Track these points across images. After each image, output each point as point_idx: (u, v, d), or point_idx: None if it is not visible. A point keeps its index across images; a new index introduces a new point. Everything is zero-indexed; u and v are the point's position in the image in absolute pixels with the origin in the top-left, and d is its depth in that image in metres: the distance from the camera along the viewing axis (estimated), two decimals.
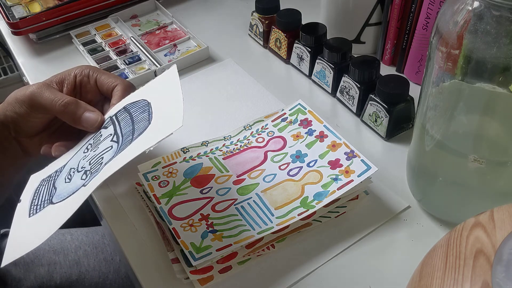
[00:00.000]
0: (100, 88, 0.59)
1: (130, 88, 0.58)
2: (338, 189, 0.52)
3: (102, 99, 0.61)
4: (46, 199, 0.50)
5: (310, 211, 0.50)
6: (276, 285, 0.49)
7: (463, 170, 0.48)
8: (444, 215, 0.53)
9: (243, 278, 0.49)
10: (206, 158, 0.58)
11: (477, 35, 0.40)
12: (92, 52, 0.80)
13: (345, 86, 0.66)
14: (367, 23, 0.72)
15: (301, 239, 0.52)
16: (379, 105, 0.61)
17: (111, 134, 0.51)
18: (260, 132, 0.61)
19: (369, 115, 0.63)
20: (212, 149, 0.59)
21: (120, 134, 0.50)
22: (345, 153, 0.55)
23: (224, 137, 0.61)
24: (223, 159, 0.58)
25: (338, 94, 0.68)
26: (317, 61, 0.69)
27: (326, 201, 0.51)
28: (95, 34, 0.83)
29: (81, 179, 0.48)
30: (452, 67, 0.43)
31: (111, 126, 0.52)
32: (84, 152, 0.52)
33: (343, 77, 0.65)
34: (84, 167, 0.49)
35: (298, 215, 0.50)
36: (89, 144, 0.53)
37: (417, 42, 0.66)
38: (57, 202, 0.48)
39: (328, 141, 0.57)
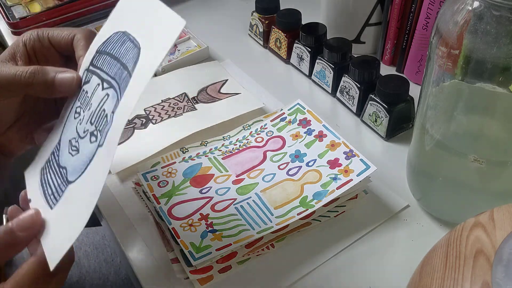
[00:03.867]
0: (57, 47, 0.50)
1: (91, 34, 0.49)
2: (337, 188, 0.52)
3: (64, 60, 0.51)
4: (60, 182, 0.42)
5: (310, 210, 0.50)
6: (276, 285, 0.48)
7: (463, 170, 0.48)
8: (444, 215, 0.53)
9: (243, 278, 0.49)
10: (205, 158, 0.58)
11: (477, 35, 0.40)
12: None
13: (345, 86, 0.66)
14: (367, 23, 0.72)
15: (300, 238, 0.52)
16: (379, 105, 0.60)
17: (98, 84, 0.43)
18: (259, 132, 0.61)
19: (369, 115, 0.63)
20: (211, 149, 0.59)
21: (110, 78, 0.42)
22: (344, 153, 0.55)
23: (223, 137, 0.61)
24: (222, 159, 0.58)
25: (338, 94, 0.68)
26: (317, 61, 0.69)
27: (325, 200, 0.51)
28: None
29: (91, 142, 0.40)
30: (452, 67, 0.43)
31: (94, 77, 0.43)
32: (75, 118, 0.44)
33: (343, 77, 0.65)
34: (88, 129, 0.42)
35: (298, 214, 0.50)
36: (77, 107, 0.44)
37: (417, 42, 0.66)
38: (76, 178, 0.41)
39: (327, 140, 0.57)
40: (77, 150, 0.42)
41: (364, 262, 0.50)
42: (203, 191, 0.54)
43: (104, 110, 0.41)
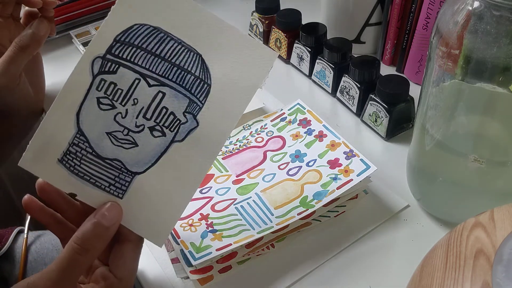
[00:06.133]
0: None
1: None
2: (337, 188, 0.52)
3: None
4: (117, 174, 0.43)
5: (310, 210, 0.50)
6: (276, 285, 0.48)
7: (463, 170, 0.48)
8: (444, 215, 0.53)
9: (243, 278, 0.49)
10: None
11: (477, 35, 0.40)
12: None
13: (345, 86, 0.66)
14: (367, 23, 0.72)
15: (300, 238, 0.52)
16: (379, 105, 0.60)
17: (138, 79, 0.43)
18: (259, 132, 0.61)
19: (369, 115, 0.63)
20: None
21: (156, 75, 0.42)
22: (344, 153, 0.55)
23: None
24: (223, 159, 0.58)
25: (338, 94, 0.68)
26: (317, 61, 0.69)
27: (325, 200, 0.51)
28: (95, 34, 0.83)
29: (155, 136, 0.42)
30: (452, 67, 0.43)
31: (124, 69, 0.43)
32: (104, 110, 0.43)
33: (343, 77, 0.65)
34: (143, 124, 0.43)
35: (298, 214, 0.50)
36: (100, 98, 0.43)
37: (417, 42, 0.66)
38: (146, 169, 0.43)
39: (327, 140, 0.57)
40: (133, 144, 0.43)
41: (364, 262, 0.50)
42: (203, 191, 0.54)
43: (165, 107, 0.43)
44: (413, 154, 0.53)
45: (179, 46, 0.43)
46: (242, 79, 0.43)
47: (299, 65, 0.73)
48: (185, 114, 0.43)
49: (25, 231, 0.66)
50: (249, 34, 0.82)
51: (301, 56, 0.72)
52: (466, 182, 0.49)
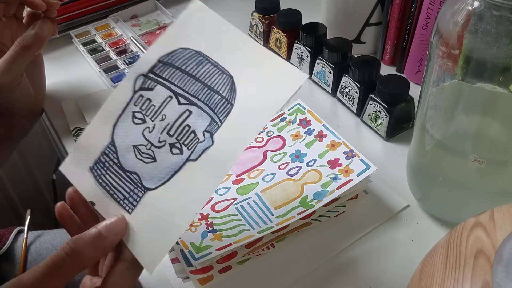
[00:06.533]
0: None
1: None
2: (337, 188, 0.52)
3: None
4: (132, 188, 0.43)
5: (310, 210, 0.50)
6: (276, 285, 0.48)
7: (463, 170, 0.48)
8: (444, 215, 0.53)
9: (243, 278, 0.49)
10: None
11: (477, 35, 0.40)
12: (92, 52, 0.79)
13: (345, 86, 0.66)
14: (367, 23, 0.72)
15: (300, 238, 0.52)
16: (379, 105, 0.60)
17: (170, 97, 0.44)
18: (259, 132, 0.61)
19: (369, 115, 0.63)
20: None
21: (187, 94, 0.44)
22: (344, 153, 0.55)
23: None
24: None
25: (338, 94, 0.68)
26: (317, 61, 0.69)
27: (325, 200, 0.51)
28: (95, 34, 0.83)
29: (173, 153, 0.43)
30: (452, 67, 0.43)
31: (160, 87, 0.45)
32: (136, 124, 0.45)
33: (343, 77, 0.65)
34: (165, 140, 0.43)
35: (298, 214, 0.50)
36: (136, 112, 0.45)
37: (417, 42, 0.66)
38: (158, 186, 0.42)
39: (327, 140, 0.57)
40: (153, 158, 0.43)
41: (364, 262, 0.50)
42: None
43: (188, 126, 0.43)
44: (413, 154, 0.53)
45: (214, 69, 0.44)
46: (265, 99, 0.42)
47: (299, 65, 0.73)
48: (204, 133, 0.43)
49: (25, 231, 0.66)
50: (249, 34, 0.82)
51: (301, 56, 0.72)
52: (466, 182, 0.49)
